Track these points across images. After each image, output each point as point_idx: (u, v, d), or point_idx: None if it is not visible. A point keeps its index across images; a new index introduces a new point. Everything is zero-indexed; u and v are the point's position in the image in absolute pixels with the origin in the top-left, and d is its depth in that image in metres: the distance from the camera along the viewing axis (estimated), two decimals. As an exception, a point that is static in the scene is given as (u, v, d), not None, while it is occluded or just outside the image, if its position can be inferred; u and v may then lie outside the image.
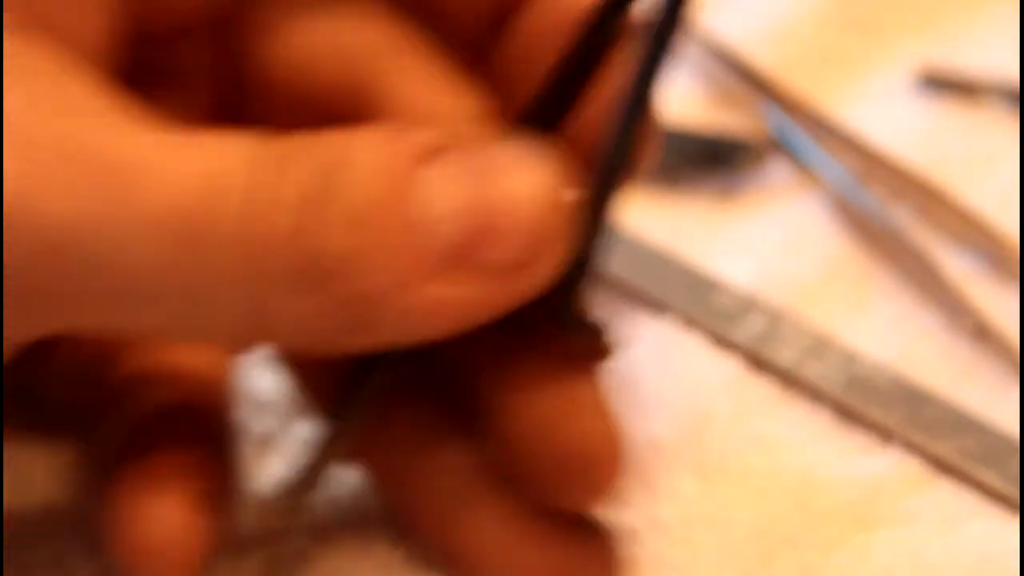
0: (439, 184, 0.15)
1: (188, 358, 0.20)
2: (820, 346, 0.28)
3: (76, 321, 0.16)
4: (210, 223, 0.15)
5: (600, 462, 0.18)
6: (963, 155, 0.34)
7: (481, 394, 0.18)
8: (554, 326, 0.17)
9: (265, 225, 0.15)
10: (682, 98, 0.33)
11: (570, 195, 0.15)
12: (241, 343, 0.18)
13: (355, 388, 0.18)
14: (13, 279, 0.15)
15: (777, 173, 0.32)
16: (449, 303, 0.15)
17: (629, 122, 0.16)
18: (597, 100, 0.17)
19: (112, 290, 0.15)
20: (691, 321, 0.28)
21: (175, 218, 0.15)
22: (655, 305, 0.28)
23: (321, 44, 0.19)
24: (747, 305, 0.29)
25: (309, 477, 0.19)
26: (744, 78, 0.33)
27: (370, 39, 0.19)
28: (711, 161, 0.31)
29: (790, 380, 0.27)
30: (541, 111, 0.17)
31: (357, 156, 0.15)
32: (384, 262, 0.15)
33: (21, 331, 0.16)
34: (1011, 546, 0.25)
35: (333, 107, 0.19)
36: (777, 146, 0.32)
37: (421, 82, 0.19)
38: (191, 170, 0.15)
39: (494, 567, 0.19)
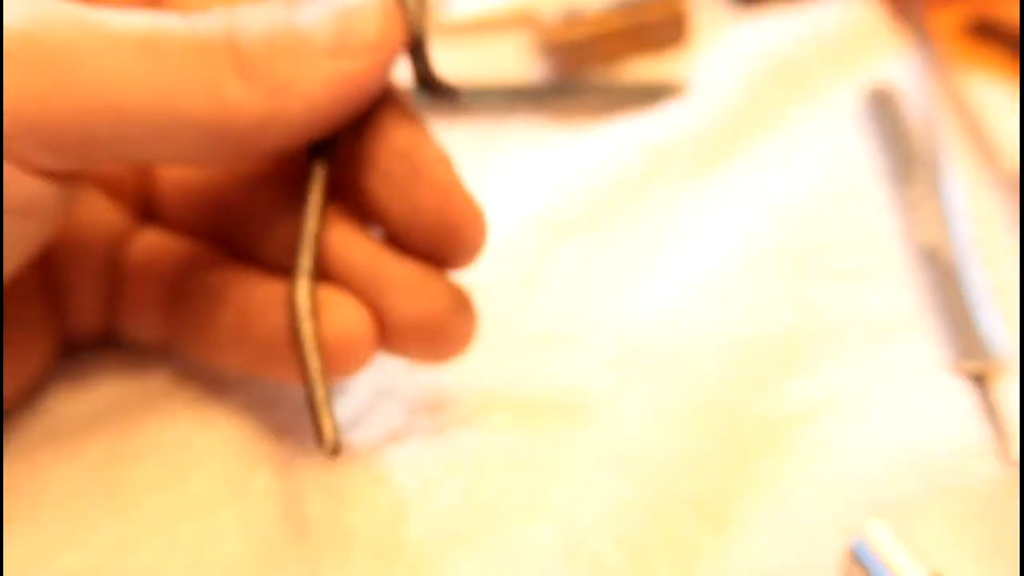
0: (318, 15, 0.25)
1: None
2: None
3: (88, 150, 0.23)
4: (164, 36, 0.23)
5: (465, 231, 0.26)
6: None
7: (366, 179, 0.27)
8: (420, 85, 0.27)
9: (206, 34, 0.23)
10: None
11: (390, 10, 0.25)
12: (214, 154, 0.25)
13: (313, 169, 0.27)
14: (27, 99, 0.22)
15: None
16: (343, 74, 0.24)
17: None
18: None
19: (100, 104, 0.23)
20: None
21: (137, 37, 0.23)
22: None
23: None
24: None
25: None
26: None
27: None
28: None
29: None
30: None
31: (256, 15, 0.24)
32: (293, 54, 0.24)
33: (53, 158, 0.23)
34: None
35: None
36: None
37: None
38: (150, 22, 0.23)
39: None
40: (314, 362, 0.25)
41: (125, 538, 0.28)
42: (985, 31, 0.39)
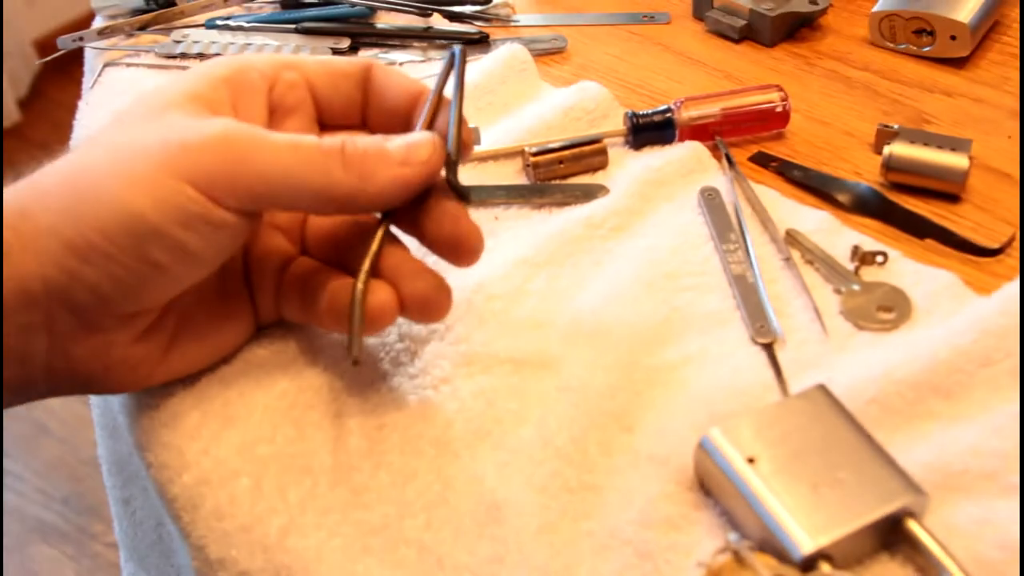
0: (394, 140, 0.28)
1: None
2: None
3: (265, 200, 0.26)
4: (303, 142, 0.26)
5: (470, 243, 0.29)
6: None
7: (419, 222, 0.29)
8: (449, 186, 0.29)
9: (329, 143, 0.27)
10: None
11: (438, 141, 0.28)
12: (328, 210, 0.28)
13: (382, 223, 0.29)
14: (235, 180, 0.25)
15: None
16: (404, 176, 0.27)
17: (456, 125, 0.29)
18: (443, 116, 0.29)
19: (273, 178, 0.26)
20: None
21: (287, 142, 0.26)
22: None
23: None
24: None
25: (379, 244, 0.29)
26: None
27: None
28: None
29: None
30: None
31: (361, 136, 0.28)
32: (377, 159, 0.27)
33: (236, 202, 0.26)
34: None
35: None
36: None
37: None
38: (297, 135, 0.27)
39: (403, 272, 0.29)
40: (357, 318, 0.27)
41: (291, 436, 0.29)
42: (762, 159, 0.40)
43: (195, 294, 0.28)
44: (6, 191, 0.25)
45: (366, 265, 0.28)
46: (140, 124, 0.26)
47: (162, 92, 0.27)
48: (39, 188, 0.25)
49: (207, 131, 0.25)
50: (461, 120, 0.29)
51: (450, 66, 0.30)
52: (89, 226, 0.24)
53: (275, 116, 0.30)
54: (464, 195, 0.29)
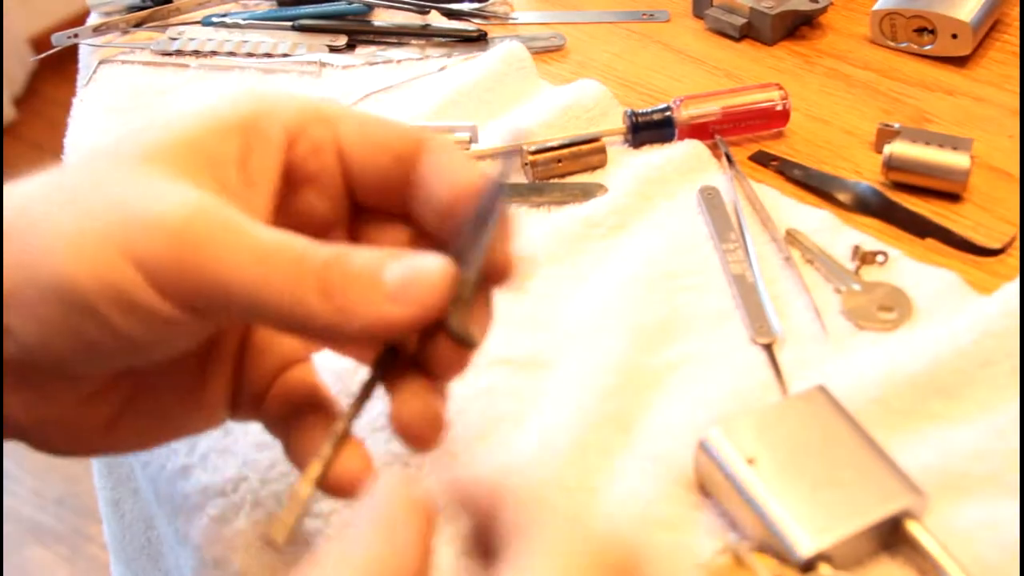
0: (392, 266, 0.22)
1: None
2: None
3: (218, 308, 0.21)
4: (281, 254, 0.21)
5: (425, 433, 0.24)
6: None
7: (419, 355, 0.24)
8: (447, 332, 0.23)
9: (312, 258, 0.21)
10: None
11: (448, 276, 0.22)
12: (297, 335, 0.24)
13: (377, 361, 0.24)
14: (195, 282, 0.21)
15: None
16: (391, 316, 0.22)
17: (479, 250, 0.23)
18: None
19: (226, 274, 0.21)
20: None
21: (263, 248, 0.21)
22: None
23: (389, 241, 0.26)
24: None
25: (363, 396, 0.24)
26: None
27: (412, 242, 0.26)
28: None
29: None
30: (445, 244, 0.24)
31: (360, 250, 0.22)
32: (361, 290, 0.22)
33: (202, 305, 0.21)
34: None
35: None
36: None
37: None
38: (277, 235, 0.22)
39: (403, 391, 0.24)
40: (295, 502, 0.21)
41: None
42: (762, 158, 0.40)
43: (159, 371, 0.24)
44: None
45: (339, 428, 0.23)
46: (109, 176, 0.22)
47: (155, 135, 0.23)
48: None
49: (167, 210, 0.21)
50: (488, 251, 0.22)
51: (508, 163, 0.24)
52: (24, 278, 0.21)
53: (292, 184, 0.24)
54: (465, 342, 0.22)
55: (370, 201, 0.25)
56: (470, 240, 0.23)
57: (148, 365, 0.23)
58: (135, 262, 0.21)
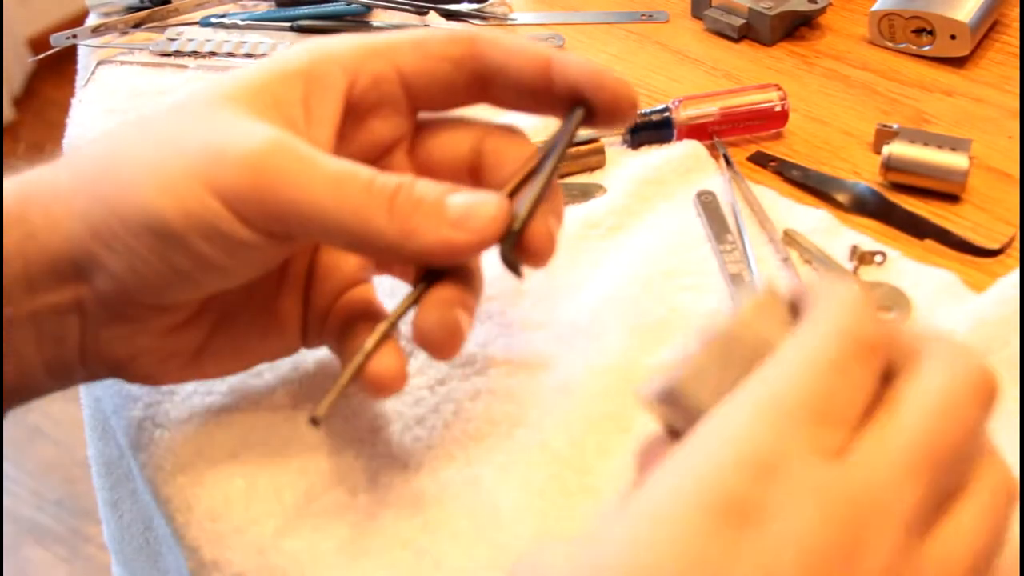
0: (455, 197, 0.24)
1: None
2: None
3: (296, 231, 0.24)
4: (351, 179, 0.23)
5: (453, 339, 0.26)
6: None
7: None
8: (501, 258, 0.25)
9: (382, 184, 0.24)
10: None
11: (504, 209, 0.25)
12: (372, 253, 0.26)
13: (424, 275, 0.26)
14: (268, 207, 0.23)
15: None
16: (452, 241, 0.24)
17: (535, 196, 0.26)
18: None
19: (303, 200, 0.23)
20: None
21: (335, 174, 0.23)
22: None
23: (454, 152, 0.28)
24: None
25: (407, 303, 0.26)
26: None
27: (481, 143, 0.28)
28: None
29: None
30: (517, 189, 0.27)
31: (423, 182, 0.24)
32: (427, 215, 0.24)
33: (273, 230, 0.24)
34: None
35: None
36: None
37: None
38: (348, 165, 0.24)
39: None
40: (343, 379, 0.24)
41: (286, 438, 0.27)
42: (761, 159, 0.40)
43: (239, 299, 0.27)
44: (40, 168, 0.25)
45: (382, 327, 0.25)
46: (191, 117, 0.24)
47: (227, 82, 0.25)
48: (73, 167, 0.24)
49: (248, 144, 0.23)
50: (545, 192, 0.25)
51: (569, 126, 0.26)
52: (115, 216, 0.23)
53: (355, 116, 0.27)
54: (513, 269, 0.25)
55: (437, 107, 0.28)
56: (524, 181, 0.26)
57: (231, 290, 0.25)
58: (218, 194, 0.23)
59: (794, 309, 0.20)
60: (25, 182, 0.24)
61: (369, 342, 0.25)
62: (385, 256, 0.26)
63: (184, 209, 0.23)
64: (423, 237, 0.23)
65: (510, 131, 0.28)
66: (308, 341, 0.28)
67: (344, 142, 0.27)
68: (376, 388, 0.25)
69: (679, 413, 0.19)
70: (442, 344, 0.25)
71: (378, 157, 0.28)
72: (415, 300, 0.25)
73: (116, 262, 0.23)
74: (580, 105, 0.26)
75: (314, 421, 0.24)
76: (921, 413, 0.18)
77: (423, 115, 0.28)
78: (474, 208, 0.24)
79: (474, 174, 0.28)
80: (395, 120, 0.27)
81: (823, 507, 0.16)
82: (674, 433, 0.19)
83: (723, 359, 0.18)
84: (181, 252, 0.23)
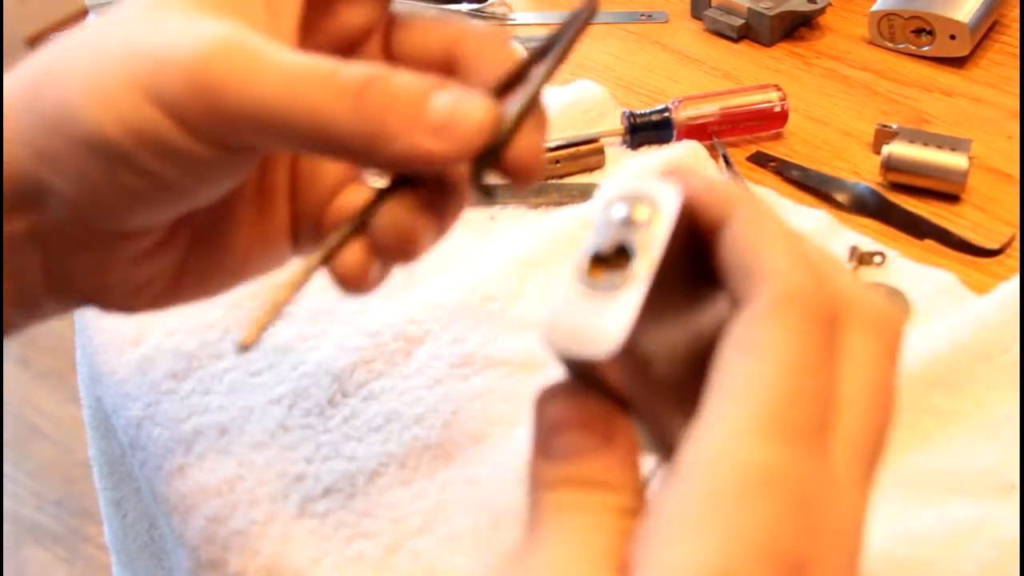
0: (438, 97, 0.20)
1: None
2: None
3: (250, 140, 0.21)
4: (310, 75, 0.20)
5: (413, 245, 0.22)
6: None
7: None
8: (472, 179, 0.21)
9: (346, 76, 0.20)
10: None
11: (494, 118, 0.20)
12: (341, 157, 0.22)
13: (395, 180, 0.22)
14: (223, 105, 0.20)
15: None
16: (430, 151, 0.20)
17: (525, 103, 0.21)
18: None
19: (254, 103, 0.20)
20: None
21: (291, 72, 0.20)
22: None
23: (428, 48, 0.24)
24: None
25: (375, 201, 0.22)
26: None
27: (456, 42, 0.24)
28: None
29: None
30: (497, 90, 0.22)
31: (402, 73, 0.20)
32: (401, 116, 0.20)
33: (232, 137, 0.20)
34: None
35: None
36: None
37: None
38: (304, 58, 0.20)
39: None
40: (272, 300, 0.20)
41: (287, 441, 0.29)
42: (760, 159, 0.41)
43: (214, 215, 0.24)
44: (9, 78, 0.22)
45: (330, 240, 0.22)
46: (132, 21, 0.21)
47: None
48: (13, 86, 0.22)
49: (190, 46, 0.20)
50: (535, 100, 0.21)
51: (576, 23, 0.22)
52: (57, 136, 0.20)
53: (320, 2, 0.24)
54: (487, 193, 0.22)
55: None
56: (518, 77, 0.22)
57: (200, 208, 0.22)
58: (158, 103, 0.20)
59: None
60: None
61: (330, 239, 0.22)
62: (352, 162, 0.22)
63: (124, 122, 0.20)
64: (395, 142, 0.20)
65: (495, 34, 0.24)
66: (299, 248, 0.25)
67: (310, 33, 0.24)
68: (346, 284, 0.22)
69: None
70: (389, 249, 0.22)
71: (348, 51, 0.24)
72: (381, 198, 0.22)
73: (66, 185, 0.21)
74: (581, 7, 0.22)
75: (242, 346, 0.20)
76: (865, 410, 0.17)
77: (399, 8, 0.25)
78: (459, 111, 0.20)
79: (450, 77, 0.23)
80: (364, 6, 0.24)
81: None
82: (581, 376, 0.17)
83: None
84: (130, 171, 0.20)
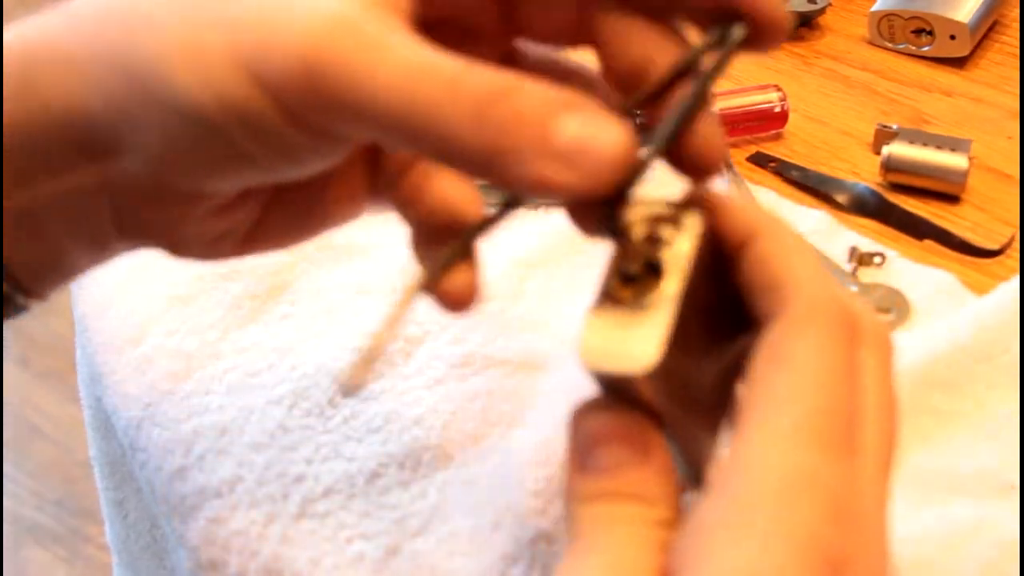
0: (568, 121, 0.17)
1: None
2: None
3: (356, 134, 0.19)
4: (432, 77, 0.18)
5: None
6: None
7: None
8: (601, 222, 0.19)
9: (475, 82, 0.18)
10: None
11: (631, 153, 0.18)
12: (459, 169, 0.19)
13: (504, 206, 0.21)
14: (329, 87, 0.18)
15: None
16: (554, 182, 0.17)
17: (678, 118, 0.19)
18: (667, 104, 0.20)
19: (367, 102, 0.18)
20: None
21: (410, 68, 0.18)
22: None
23: (561, 9, 0.21)
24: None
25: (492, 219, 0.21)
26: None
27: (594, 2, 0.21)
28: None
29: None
30: (638, 104, 0.20)
31: (531, 87, 0.18)
32: (526, 137, 0.18)
33: (337, 124, 0.19)
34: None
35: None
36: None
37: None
38: (427, 55, 0.18)
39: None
40: (378, 338, 0.19)
41: (287, 442, 0.29)
42: (760, 160, 0.41)
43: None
44: (35, 22, 0.20)
45: (434, 266, 0.20)
46: None
47: None
48: (76, 26, 0.20)
49: (304, 26, 0.18)
50: (687, 121, 0.19)
51: (727, 46, 0.19)
52: (139, 93, 0.19)
53: None
54: (614, 233, 0.18)
55: None
56: (664, 88, 0.19)
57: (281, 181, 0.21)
58: (261, 83, 0.18)
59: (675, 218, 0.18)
60: (24, 41, 0.20)
61: (427, 269, 0.20)
62: (465, 173, 0.20)
63: (222, 98, 0.18)
64: (516, 166, 0.17)
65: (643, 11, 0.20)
66: (376, 201, 0.24)
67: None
68: (451, 305, 0.21)
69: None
70: (455, 302, 0.21)
71: (467, 15, 0.21)
72: (498, 217, 0.20)
73: (146, 145, 0.19)
74: (736, 21, 0.19)
75: (347, 390, 0.20)
76: (881, 420, 0.18)
77: None
78: (591, 142, 0.17)
79: (584, 41, 0.21)
80: None
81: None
82: (612, 390, 0.18)
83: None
84: (219, 144, 0.19)
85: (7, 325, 0.23)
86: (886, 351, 0.18)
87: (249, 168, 0.20)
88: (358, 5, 0.18)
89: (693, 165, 0.19)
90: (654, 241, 0.18)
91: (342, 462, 0.29)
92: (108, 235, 0.22)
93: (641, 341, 0.16)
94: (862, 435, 0.17)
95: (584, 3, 0.21)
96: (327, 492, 0.28)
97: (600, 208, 0.18)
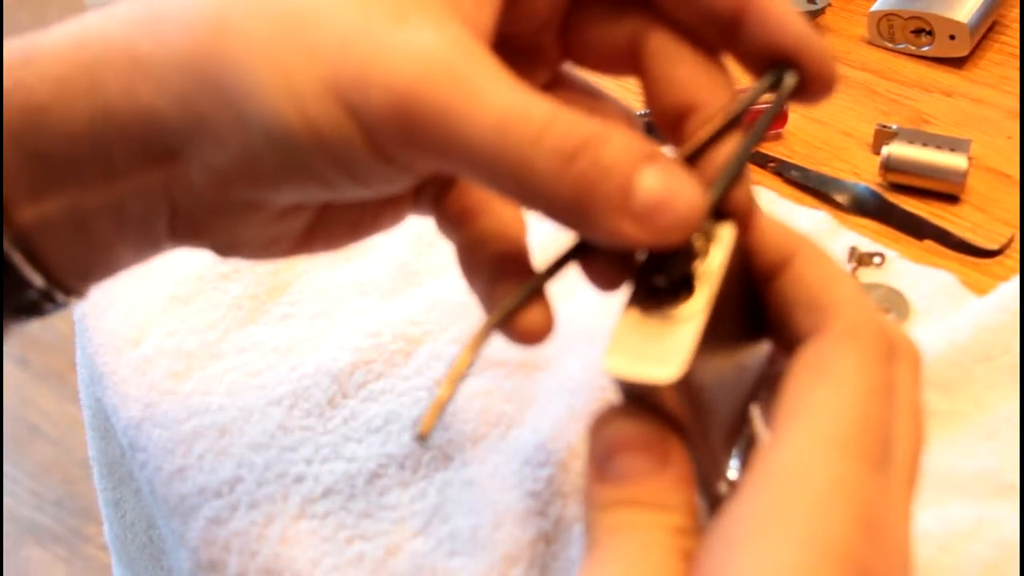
0: (648, 178, 0.18)
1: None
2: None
3: (439, 171, 0.19)
4: (520, 123, 0.18)
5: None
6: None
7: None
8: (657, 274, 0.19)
9: (562, 132, 0.18)
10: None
11: (702, 213, 0.18)
12: (535, 210, 0.19)
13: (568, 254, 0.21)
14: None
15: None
16: (626, 234, 0.18)
17: (731, 172, 0.19)
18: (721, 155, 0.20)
19: (458, 144, 0.18)
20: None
21: (499, 114, 0.18)
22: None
23: (613, 36, 0.21)
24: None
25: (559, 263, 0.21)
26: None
27: (646, 32, 0.21)
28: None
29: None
30: (699, 153, 0.20)
31: (616, 138, 0.18)
32: (608, 193, 0.18)
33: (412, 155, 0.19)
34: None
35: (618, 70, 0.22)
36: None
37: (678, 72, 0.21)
38: (519, 99, 0.18)
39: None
40: (447, 385, 0.18)
41: (287, 442, 0.29)
42: (760, 160, 0.41)
43: None
44: (99, 21, 0.20)
45: (505, 304, 0.20)
46: None
47: None
48: (155, 33, 0.19)
49: (402, 64, 0.18)
50: (738, 175, 0.19)
51: (781, 96, 0.21)
52: (225, 107, 0.19)
53: None
54: (682, 283, 0.18)
55: None
56: (706, 145, 0.20)
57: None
58: (353, 114, 0.18)
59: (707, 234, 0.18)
60: (87, 39, 0.20)
61: (493, 315, 0.20)
62: (543, 215, 0.20)
63: (310, 123, 0.18)
64: (593, 218, 0.18)
65: (687, 39, 0.21)
66: (417, 210, 0.25)
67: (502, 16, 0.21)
68: (521, 341, 0.21)
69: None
70: (530, 338, 0.21)
71: (529, 34, 0.22)
72: (565, 261, 0.20)
73: (219, 157, 0.19)
74: (788, 69, 0.20)
75: (420, 440, 0.19)
76: (910, 436, 0.18)
77: None
78: (668, 202, 0.18)
79: (631, 69, 0.22)
80: None
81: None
82: (633, 398, 0.18)
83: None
84: (295, 161, 0.19)
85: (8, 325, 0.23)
86: (916, 370, 0.19)
87: (317, 187, 0.20)
88: (452, 40, 0.18)
89: (729, 211, 0.20)
90: (686, 252, 0.18)
91: (342, 462, 0.29)
92: (160, 236, 0.22)
93: (670, 352, 0.16)
94: (894, 450, 0.17)
95: (639, 27, 0.21)
96: (327, 492, 0.28)
97: (658, 256, 0.19)
